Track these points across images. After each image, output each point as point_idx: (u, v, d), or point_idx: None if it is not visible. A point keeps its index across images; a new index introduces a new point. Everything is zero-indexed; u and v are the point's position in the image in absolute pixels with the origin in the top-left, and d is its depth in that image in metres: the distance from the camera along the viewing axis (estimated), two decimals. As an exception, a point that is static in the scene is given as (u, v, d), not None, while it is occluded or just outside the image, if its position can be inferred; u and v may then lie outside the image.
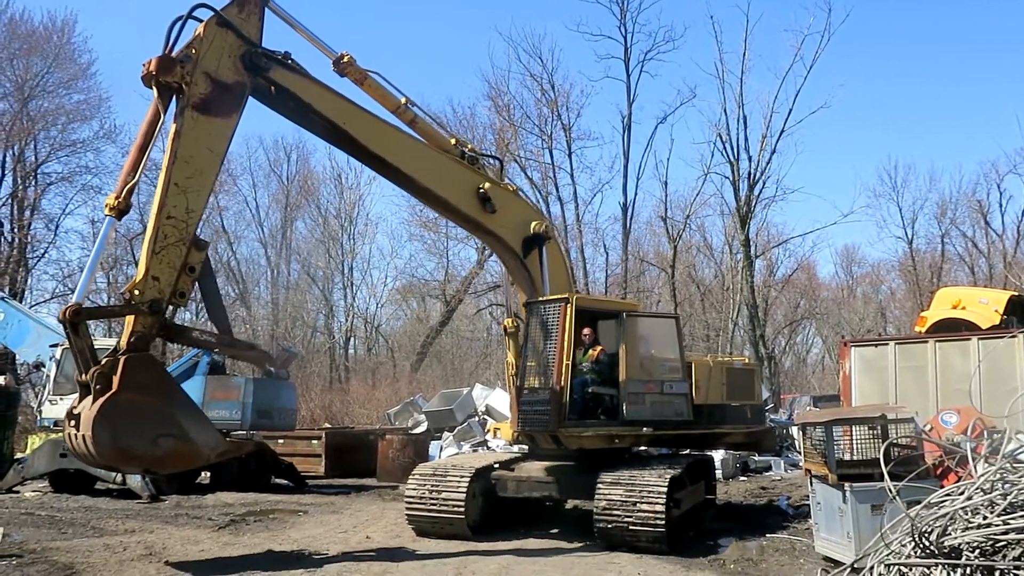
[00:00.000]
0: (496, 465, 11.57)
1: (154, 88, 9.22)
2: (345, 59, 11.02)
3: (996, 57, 73.51)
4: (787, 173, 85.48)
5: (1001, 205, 47.25)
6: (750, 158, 36.66)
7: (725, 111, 36.59)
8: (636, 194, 42.07)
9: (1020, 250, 44.69)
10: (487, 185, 11.51)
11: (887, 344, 13.15)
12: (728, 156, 36.73)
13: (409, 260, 55.59)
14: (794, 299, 52.07)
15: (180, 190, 9.09)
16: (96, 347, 9.02)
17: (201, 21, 9.46)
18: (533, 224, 11.92)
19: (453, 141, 11.80)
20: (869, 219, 75.25)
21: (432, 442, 20.58)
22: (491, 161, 12.95)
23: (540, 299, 11.50)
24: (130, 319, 8.92)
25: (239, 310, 42.75)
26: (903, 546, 6.74)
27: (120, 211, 9.19)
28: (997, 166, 55.49)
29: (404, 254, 76.64)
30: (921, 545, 6.38)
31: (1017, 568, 5.68)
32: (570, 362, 10.62)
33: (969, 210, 47.52)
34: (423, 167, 11.14)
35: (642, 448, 13.12)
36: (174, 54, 9.23)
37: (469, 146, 12.03)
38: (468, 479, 10.75)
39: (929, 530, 6.39)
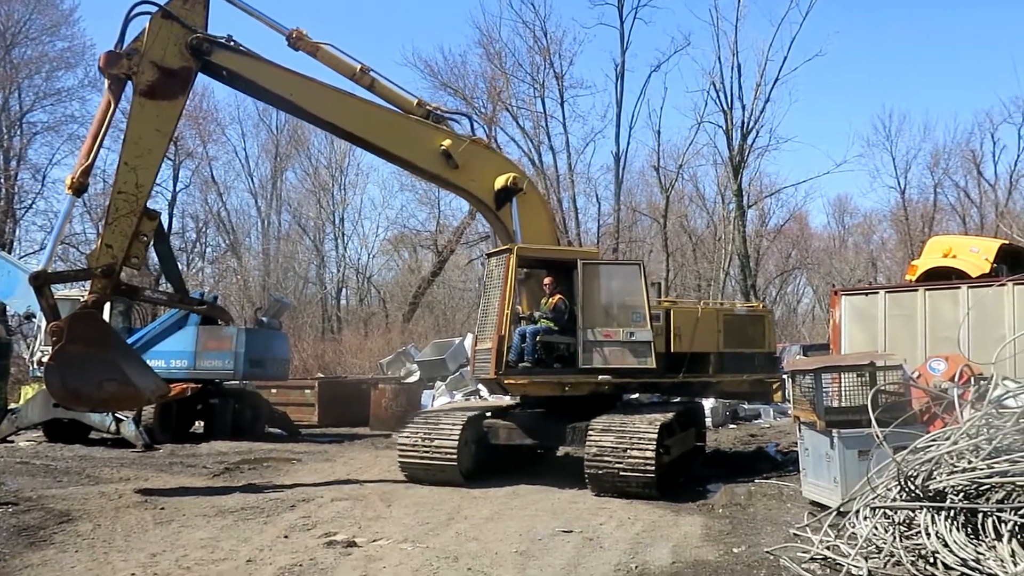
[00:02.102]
0: (488, 413, 11.72)
1: (106, 79, 10.48)
2: (295, 34, 11.58)
3: (994, 2, 72.75)
4: (781, 122, 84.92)
5: (994, 155, 47.16)
6: (744, 107, 36.40)
7: (719, 59, 36.25)
8: (629, 144, 42.39)
9: (1012, 200, 44.77)
10: (448, 142, 11.84)
11: (877, 293, 13.19)
12: (722, 105, 36.47)
13: (400, 210, 55.34)
14: (786, 249, 52.14)
15: (130, 168, 10.33)
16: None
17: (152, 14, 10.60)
18: (501, 177, 12.08)
19: (416, 102, 12.10)
20: (862, 169, 75.50)
21: (424, 391, 20.74)
22: (463, 121, 13.04)
23: (490, 251, 11.92)
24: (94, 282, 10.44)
25: (230, 261, 42.62)
26: (889, 490, 6.86)
27: (77, 189, 10.58)
28: (991, 115, 55.18)
29: (396, 204, 76.51)
30: (907, 489, 6.49)
31: (1000, 510, 5.79)
32: (510, 311, 10.83)
33: (962, 160, 47.45)
34: (378, 130, 11.76)
35: (634, 396, 13.27)
36: (125, 46, 10.43)
37: (433, 105, 12.39)
38: (460, 427, 10.87)
39: (915, 474, 6.49)
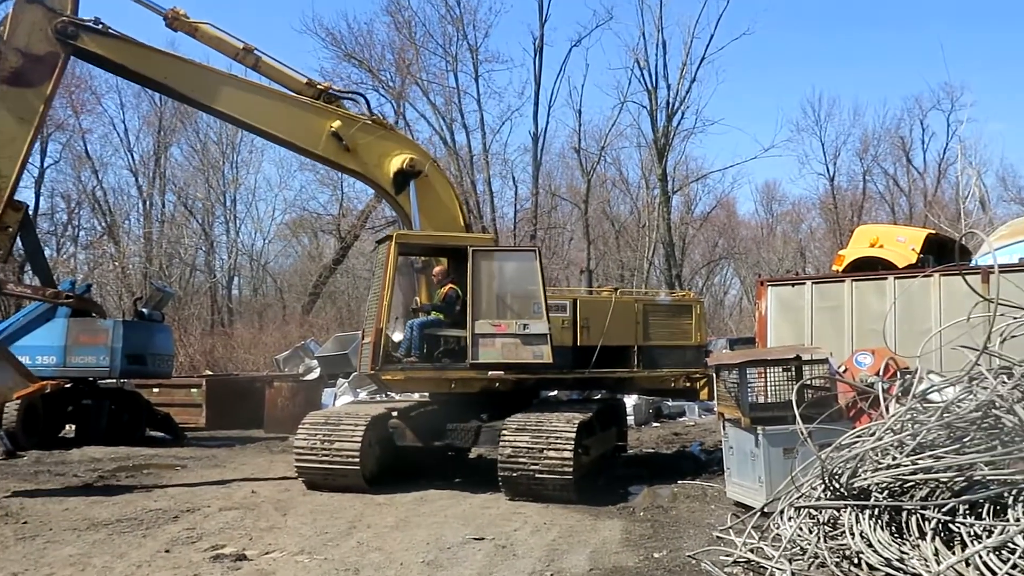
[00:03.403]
0: (394, 413, 11.68)
1: None
2: (171, 14, 11.78)
3: (924, -15, 75.80)
4: (707, 103, 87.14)
5: (923, 142, 49.33)
6: (669, 87, 37.10)
7: (644, 35, 36.87)
8: (548, 123, 42.58)
9: (940, 189, 46.83)
10: (337, 124, 12.06)
11: (804, 283, 13.58)
12: (646, 84, 37.09)
13: (300, 192, 54.80)
14: (712, 238, 53.40)
15: None
16: None
17: None
18: (397, 159, 12.27)
19: (305, 81, 12.34)
20: (791, 154, 77.48)
21: (325, 390, 20.53)
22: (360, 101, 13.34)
23: (379, 239, 12.05)
24: None
25: (107, 246, 41.17)
26: (813, 489, 7.09)
27: None
28: (921, 101, 57.78)
29: (294, 185, 75.31)
30: (831, 487, 6.72)
31: (924, 508, 6.06)
32: (388, 303, 10.99)
33: (891, 147, 49.44)
34: (261, 113, 12.05)
35: (552, 393, 13.38)
36: None
37: (325, 84, 12.61)
38: (363, 427, 10.82)
39: (839, 472, 6.73)
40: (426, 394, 12.37)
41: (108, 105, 44.42)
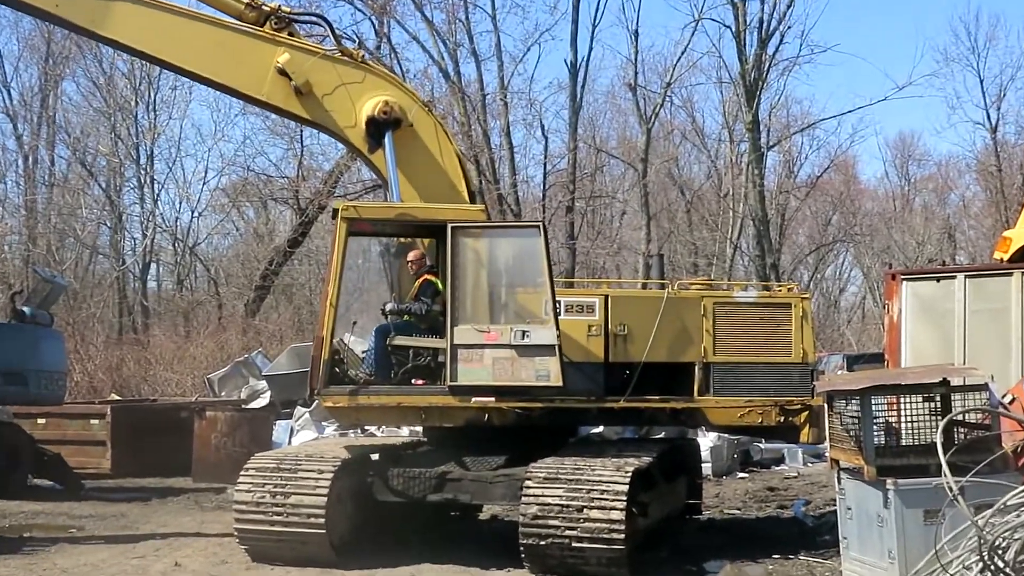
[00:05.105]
0: (374, 455, 11.71)
1: None
2: None
3: None
4: (816, 23, 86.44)
5: None
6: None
7: (727, -75, 36.66)
8: (591, 49, 41.85)
9: None
10: (285, 58, 12.16)
11: (954, 278, 13.49)
12: (731, -7, 36.90)
13: (243, 144, 53.74)
14: (824, 212, 53.22)
15: None
16: None
17: None
18: (369, 103, 12.28)
19: (245, 2, 12.42)
20: (936, 95, 77.01)
21: (278, 422, 20.60)
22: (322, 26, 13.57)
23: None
24: None
25: (-25, 218, 41.52)
26: (967, 569, 7.05)
27: None
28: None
29: (235, 135, 75.09)
30: (992, 567, 6.67)
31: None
32: (333, 302, 11.17)
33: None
34: (178, 45, 12.33)
35: (596, 430, 13.37)
36: None
37: (273, 5, 12.64)
38: (331, 475, 10.76)
39: (1004, 545, 6.68)
40: (418, 429, 12.39)
41: None
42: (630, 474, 10.13)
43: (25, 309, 17.72)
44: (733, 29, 37.14)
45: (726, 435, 17.85)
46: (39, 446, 17.93)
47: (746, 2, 36.54)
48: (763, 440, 18.70)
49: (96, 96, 43.58)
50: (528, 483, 10.25)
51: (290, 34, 12.56)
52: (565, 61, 37.68)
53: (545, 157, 40.07)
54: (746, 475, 19.55)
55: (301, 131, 38.77)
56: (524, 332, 10.84)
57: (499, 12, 36.94)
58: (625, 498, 9.90)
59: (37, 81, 43.90)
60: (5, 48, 44.47)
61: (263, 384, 23.26)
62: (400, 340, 11.29)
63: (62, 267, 37.58)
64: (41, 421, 19.36)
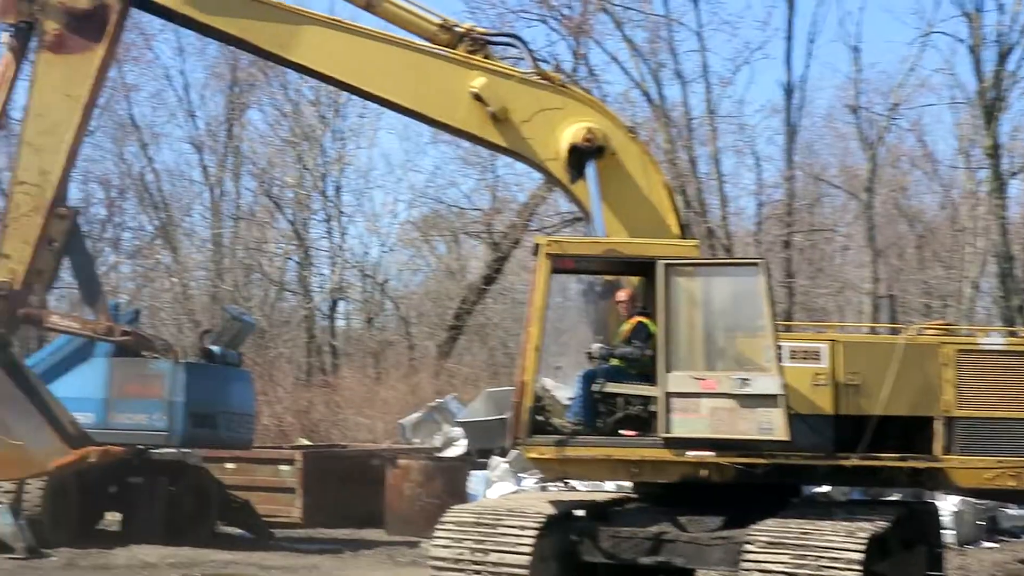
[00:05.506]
0: (579, 511, 11.63)
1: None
2: None
3: None
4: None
5: None
6: (1001, 5, 35.75)
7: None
8: (808, 68, 41.12)
9: None
10: (480, 81, 12.35)
11: None
12: (963, 2, 35.91)
13: (434, 174, 54.62)
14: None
15: (33, 149, 12.18)
16: None
17: None
18: (570, 130, 12.39)
19: (438, 23, 12.96)
20: None
21: (474, 472, 20.68)
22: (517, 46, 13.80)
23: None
24: None
25: (160, 253, 42.98)
26: None
27: None
28: None
29: (425, 164, 76.74)
30: None
31: None
32: (535, 344, 11.08)
33: None
34: (369, 70, 12.80)
35: (821, 489, 13.09)
36: None
37: (467, 26, 13.14)
38: (535, 532, 10.61)
39: None
40: (624, 483, 12.33)
41: (161, 51, 45.94)
42: (865, 541, 9.74)
43: (214, 348, 18.30)
44: (968, 43, 36.09)
45: (971, 499, 17.29)
46: (228, 492, 18.55)
47: (982, 13, 35.52)
48: (1014, 506, 18.04)
49: (282, 125, 44.30)
50: (749, 547, 10.03)
51: (485, 56, 12.80)
52: (779, 83, 37.18)
53: (759, 186, 39.44)
54: (995, 545, 18.81)
55: (495, 160, 39.16)
56: (745, 380, 10.67)
57: (705, 29, 35.99)
58: (860, 568, 9.56)
59: (222, 110, 44.79)
60: (191, 76, 45.68)
61: (458, 431, 23.53)
62: (612, 387, 11.27)
63: (248, 304, 38.46)
64: (230, 466, 19.96)
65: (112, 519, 17.66)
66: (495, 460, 21.02)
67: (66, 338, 16.92)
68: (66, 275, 14.99)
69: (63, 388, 16.33)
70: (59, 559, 14.83)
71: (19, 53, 12.55)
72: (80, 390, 16.45)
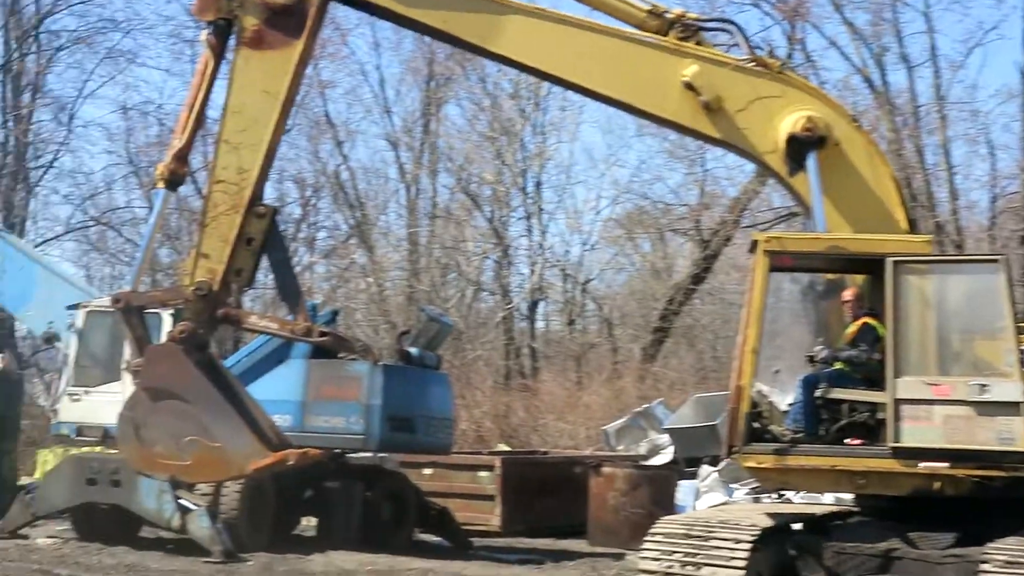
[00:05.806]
0: (797, 524, 11.67)
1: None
2: None
3: None
4: None
5: None
6: None
7: None
8: (1049, 49, 39.50)
9: None
10: (693, 70, 12.43)
11: None
12: None
13: (638, 168, 54.60)
14: None
15: (231, 147, 12.65)
16: None
17: None
18: (789, 120, 12.40)
19: (647, 9, 12.97)
20: None
21: (682, 482, 20.65)
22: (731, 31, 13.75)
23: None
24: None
25: (356, 253, 43.91)
26: None
27: (171, 181, 13.45)
28: None
29: (629, 159, 76.33)
30: None
31: None
32: (753, 347, 11.23)
33: None
34: (577, 63, 13.04)
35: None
36: None
37: (678, 12, 13.14)
38: (749, 546, 10.64)
39: None
40: (848, 496, 12.16)
41: (357, 46, 46.90)
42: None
43: (412, 350, 18.52)
44: None
45: None
46: (425, 499, 18.78)
47: None
48: None
49: (480, 119, 45.01)
50: (985, 567, 9.90)
51: (697, 43, 12.74)
52: (1016, 65, 36.21)
53: (992, 178, 38.20)
54: None
55: (703, 153, 38.93)
56: (983, 386, 10.55)
57: (933, 9, 35.43)
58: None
59: (417, 105, 45.59)
60: (387, 71, 46.46)
61: (665, 438, 23.44)
62: (836, 392, 11.15)
63: (445, 304, 38.97)
64: (427, 471, 20.12)
65: (308, 524, 18.08)
66: (705, 469, 20.93)
67: (262, 339, 17.42)
68: (261, 275, 15.44)
69: (260, 390, 16.55)
70: (255, 564, 15.15)
71: (218, 50, 13.08)
72: (277, 392, 16.80)
